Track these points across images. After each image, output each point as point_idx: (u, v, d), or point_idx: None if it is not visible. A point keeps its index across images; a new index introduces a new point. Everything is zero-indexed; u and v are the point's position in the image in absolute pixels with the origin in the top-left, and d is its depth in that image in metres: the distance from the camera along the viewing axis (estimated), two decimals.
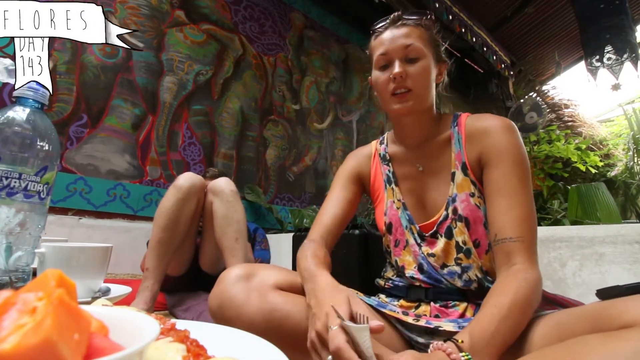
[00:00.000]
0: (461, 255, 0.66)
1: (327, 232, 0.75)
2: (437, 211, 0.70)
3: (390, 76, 0.67)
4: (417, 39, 0.68)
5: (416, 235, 0.71)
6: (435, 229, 0.69)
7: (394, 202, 0.76)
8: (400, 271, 0.74)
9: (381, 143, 0.84)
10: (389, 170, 0.79)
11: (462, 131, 0.71)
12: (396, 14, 0.71)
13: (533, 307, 0.53)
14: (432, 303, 0.67)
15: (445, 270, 0.67)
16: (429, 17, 0.71)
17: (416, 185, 0.75)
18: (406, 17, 0.70)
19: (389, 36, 0.69)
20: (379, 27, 0.72)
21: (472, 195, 0.67)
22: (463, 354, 0.45)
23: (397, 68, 0.66)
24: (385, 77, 0.69)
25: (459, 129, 0.71)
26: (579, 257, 1.07)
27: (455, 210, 0.67)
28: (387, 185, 0.78)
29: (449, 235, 0.67)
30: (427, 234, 0.70)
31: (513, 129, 0.67)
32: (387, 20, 0.71)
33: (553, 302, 0.62)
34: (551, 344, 0.45)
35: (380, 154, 0.82)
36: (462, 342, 0.46)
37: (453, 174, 0.69)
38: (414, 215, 0.73)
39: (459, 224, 0.66)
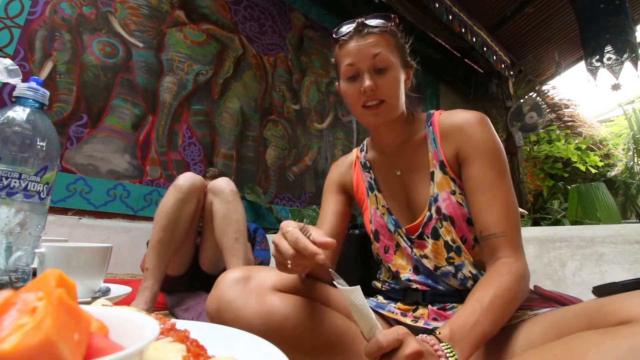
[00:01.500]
0: (452, 254, 0.66)
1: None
2: (420, 212, 0.70)
3: (361, 89, 0.66)
4: (384, 47, 0.66)
5: (405, 238, 0.71)
6: (420, 230, 0.69)
7: (377, 208, 0.76)
8: (395, 276, 0.74)
9: (361, 150, 0.84)
10: (370, 178, 0.79)
11: (436, 130, 0.71)
12: (359, 20, 0.68)
13: (517, 299, 0.54)
14: (429, 306, 0.67)
15: (439, 272, 0.67)
16: (393, 22, 0.69)
17: (398, 189, 0.75)
18: (370, 24, 0.68)
19: (355, 46, 0.67)
20: (343, 36, 0.69)
21: (453, 192, 0.67)
22: (443, 344, 0.46)
23: (367, 81, 0.65)
24: (355, 90, 0.68)
25: (433, 128, 0.72)
26: (579, 257, 1.07)
27: (438, 210, 0.67)
28: (370, 192, 0.79)
29: (436, 236, 0.67)
30: (414, 236, 0.70)
31: (486, 123, 0.67)
32: (351, 29, 0.69)
33: (551, 300, 0.62)
34: (549, 341, 0.46)
35: (360, 162, 0.83)
36: (440, 333, 0.48)
37: (432, 174, 0.69)
38: (400, 218, 0.73)
39: (444, 223, 0.66)
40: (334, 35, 0.71)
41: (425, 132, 0.73)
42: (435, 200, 0.67)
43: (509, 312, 0.53)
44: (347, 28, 0.69)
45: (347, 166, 0.85)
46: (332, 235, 0.77)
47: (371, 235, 0.78)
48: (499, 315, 0.51)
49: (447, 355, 0.45)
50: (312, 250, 0.47)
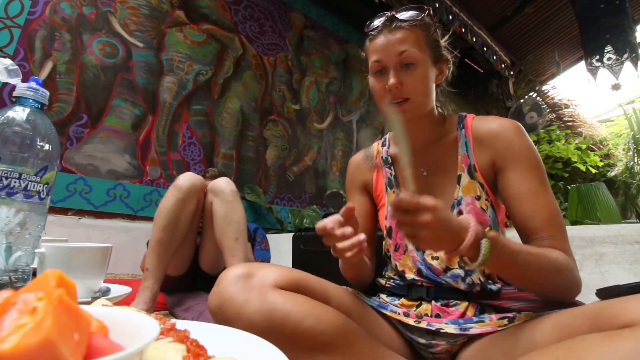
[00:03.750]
0: (465, 258, 0.66)
1: None
2: None
3: (386, 87, 0.65)
4: (412, 43, 0.64)
5: None
6: None
7: None
8: (400, 275, 0.74)
9: (383, 145, 0.83)
10: (390, 174, 0.78)
11: (469, 134, 0.70)
12: (389, 14, 0.66)
13: (560, 273, 0.55)
14: (433, 302, 0.67)
15: (449, 274, 0.67)
16: (426, 14, 0.67)
17: (420, 188, 0.74)
18: (400, 18, 0.65)
19: (383, 42, 0.65)
20: (372, 30, 0.68)
21: (478, 198, 0.66)
22: (485, 239, 0.49)
23: (392, 79, 0.64)
24: (381, 86, 0.67)
25: (465, 131, 0.70)
26: (579, 257, 1.07)
27: (460, 213, 0.66)
28: (388, 189, 0.78)
29: None
30: None
31: (523, 131, 0.67)
32: (380, 23, 0.67)
33: (557, 304, 0.62)
34: (552, 343, 0.45)
35: (382, 157, 0.81)
36: (489, 229, 0.51)
37: (459, 177, 0.68)
38: None
39: None
40: (365, 29, 0.70)
41: (456, 134, 0.71)
42: (459, 203, 0.67)
43: (547, 275, 0.54)
44: (377, 22, 0.68)
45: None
46: (366, 237, 0.80)
47: (384, 232, 0.77)
48: (538, 267, 0.53)
49: (482, 245, 0.49)
50: (342, 215, 0.54)
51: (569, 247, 0.60)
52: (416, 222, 0.48)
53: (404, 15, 0.66)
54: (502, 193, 0.66)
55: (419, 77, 0.65)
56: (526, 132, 0.67)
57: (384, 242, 0.79)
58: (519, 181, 0.63)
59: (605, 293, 0.49)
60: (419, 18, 0.66)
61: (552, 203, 0.62)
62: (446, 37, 0.73)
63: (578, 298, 0.63)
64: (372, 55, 0.68)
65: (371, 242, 0.82)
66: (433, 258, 0.68)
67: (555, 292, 0.57)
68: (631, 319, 0.39)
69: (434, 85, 0.70)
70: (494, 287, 0.65)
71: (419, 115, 0.68)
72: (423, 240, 0.49)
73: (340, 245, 0.54)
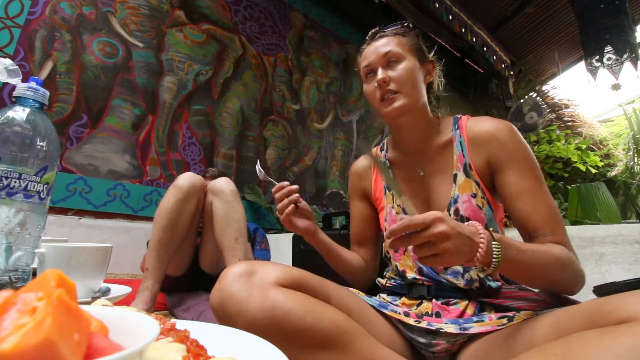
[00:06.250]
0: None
1: (358, 246, 0.87)
2: None
3: (375, 84, 0.71)
4: (395, 45, 0.72)
5: None
6: None
7: (393, 207, 0.77)
8: (401, 275, 0.74)
9: (381, 149, 0.86)
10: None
11: (464, 134, 0.72)
12: (374, 29, 0.77)
13: (565, 268, 0.56)
14: (433, 300, 0.67)
15: (449, 271, 0.68)
16: (405, 24, 0.76)
17: (418, 189, 0.76)
18: (384, 29, 0.75)
19: (370, 49, 0.74)
20: (361, 46, 0.78)
21: (474, 196, 0.67)
22: (495, 242, 0.50)
23: (379, 75, 0.70)
24: (372, 87, 0.72)
25: (460, 132, 0.72)
26: (579, 257, 1.07)
27: (457, 211, 0.68)
28: (387, 192, 0.80)
29: None
30: None
31: (515, 131, 0.69)
32: (368, 37, 0.77)
33: (556, 302, 0.62)
34: (550, 340, 0.46)
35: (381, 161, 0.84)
36: (488, 229, 0.52)
37: (455, 176, 0.70)
38: None
39: None
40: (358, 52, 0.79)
41: (451, 135, 0.74)
42: (455, 201, 0.68)
43: (553, 270, 0.55)
44: (366, 38, 0.78)
45: (367, 168, 0.87)
46: (363, 240, 0.87)
47: (385, 233, 0.79)
48: (543, 264, 0.53)
49: (494, 247, 0.49)
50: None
51: (569, 241, 0.62)
52: (433, 236, 0.47)
53: (387, 28, 0.76)
54: (501, 194, 0.68)
55: (404, 70, 0.71)
56: (519, 132, 0.69)
57: (383, 244, 0.80)
58: (516, 181, 0.65)
59: (602, 290, 0.49)
60: (400, 27, 0.75)
61: (550, 200, 0.64)
62: (432, 52, 0.80)
63: (578, 296, 0.64)
64: (362, 62, 0.76)
65: (373, 244, 0.87)
66: None
67: (561, 288, 0.58)
68: (628, 315, 0.39)
69: (422, 83, 0.74)
70: (493, 284, 0.66)
71: (409, 108, 0.71)
72: (445, 254, 0.48)
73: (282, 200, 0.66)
